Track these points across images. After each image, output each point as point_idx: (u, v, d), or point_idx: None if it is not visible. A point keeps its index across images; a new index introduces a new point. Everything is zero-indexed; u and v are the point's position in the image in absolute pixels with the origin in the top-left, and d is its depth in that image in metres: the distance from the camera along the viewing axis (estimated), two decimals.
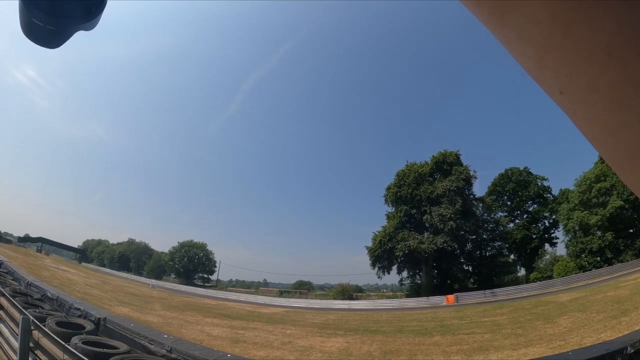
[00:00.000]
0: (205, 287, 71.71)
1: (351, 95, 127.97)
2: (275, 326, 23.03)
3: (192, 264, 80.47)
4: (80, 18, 0.46)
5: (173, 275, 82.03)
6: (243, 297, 54.30)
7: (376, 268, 58.21)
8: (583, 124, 0.32)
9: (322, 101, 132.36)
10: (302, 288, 68.55)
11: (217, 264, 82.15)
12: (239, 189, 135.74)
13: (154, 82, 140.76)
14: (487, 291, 46.34)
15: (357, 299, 56.15)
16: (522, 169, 65.11)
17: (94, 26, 0.49)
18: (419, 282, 58.43)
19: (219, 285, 77.80)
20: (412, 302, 46.25)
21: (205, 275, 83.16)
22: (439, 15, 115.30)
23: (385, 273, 58.70)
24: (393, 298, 55.21)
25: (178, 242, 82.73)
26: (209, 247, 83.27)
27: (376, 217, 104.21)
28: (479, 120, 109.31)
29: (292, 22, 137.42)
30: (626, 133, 0.29)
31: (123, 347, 7.12)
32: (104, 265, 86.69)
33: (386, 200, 61.20)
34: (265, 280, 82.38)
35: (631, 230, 53.41)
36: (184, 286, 64.69)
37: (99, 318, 9.53)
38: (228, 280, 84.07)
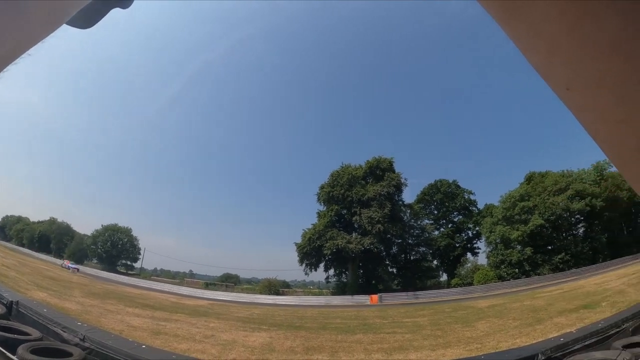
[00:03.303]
0: (128, 274, 68.05)
1: (294, 90, 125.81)
2: (198, 319, 22.64)
3: (116, 250, 76.39)
4: None
5: (95, 260, 77.18)
6: (167, 287, 52.58)
7: (304, 265, 58.61)
8: (588, 120, 0.32)
9: (262, 94, 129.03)
10: (229, 281, 67.45)
11: (141, 251, 78.43)
12: (169, 176, 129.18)
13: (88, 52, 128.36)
14: (410, 293, 47.56)
15: (283, 294, 55.65)
16: (451, 181, 68.30)
17: (130, 4, 0.47)
18: (345, 280, 59.20)
19: (142, 273, 74.24)
20: (337, 300, 46.67)
21: (129, 263, 79.19)
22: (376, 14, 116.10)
23: (313, 270, 59.15)
24: (319, 295, 55.54)
25: (102, 225, 78.38)
26: (134, 233, 79.27)
27: (307, 215, 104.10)
28: (417, 130, 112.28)
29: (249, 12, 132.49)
30: (631, 129, 0.29)
31: (35, 333, 6.56)
32: (22, 245, 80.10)
33: (319, 199, 61.77)
34: (191, 271, 79.71)
35: (549, 247, 56.71)
36: (107, 272, 60.99)
37: (12, 301, 7.99)
38: (152, 269, 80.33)
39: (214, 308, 31.43)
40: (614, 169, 63.79)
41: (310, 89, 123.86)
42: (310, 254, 56.95)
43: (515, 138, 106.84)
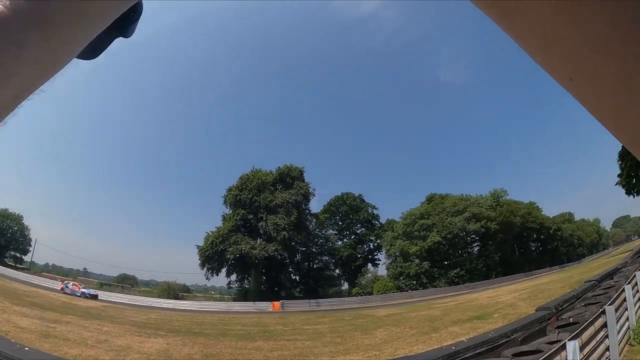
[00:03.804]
0: (17, 268, 61.82)
1: (209, 86, 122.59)
2: (91, 322, 21.57)
3: (4, 239, 69.04)
4: (120, 25, 0.43)
5: None
6: (58, 285, 47.88)
7: (205, 269, 57.04)
8: (593, 107, 0.32)
9: (171, 87, 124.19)
10: (125, 282, 63.69)
11: (32, 243, 71.76)
12: (69, 164, 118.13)
13: None
14: (312, 301, 48.03)
15: (183, 299, 53.51)
16: (356, 195, 70.44)
17: (133, 32, 0.47)
18: (247, 286, 58.58)
19: (33, 268, 67.80)
20: (238, 306, 45.92)
21: (18, 255, 71.98)
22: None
23: (215, 275, 57.80)
24: (220, 301, 54.35)
25: None
26: (26, 222, 72.02)
27: (211, 216, 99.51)
28: (330, 144, 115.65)
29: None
30: (634, 112, 0.29)
31: None
32: None
33: (225, 201, 60.67)
34: (85, 269, 74.11)
35: (446, 262, 60.00)
36: None
37: None
38: (44, 264, 73.67)
39: (108, 311, 29.83)
40: (509, 197, 69.68)
41: (226, 85, 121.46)
42: (212, 257, 55.63)
43: (419, 162, 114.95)
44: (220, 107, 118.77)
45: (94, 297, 41.22)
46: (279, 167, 61.45)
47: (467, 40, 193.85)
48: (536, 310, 10.59)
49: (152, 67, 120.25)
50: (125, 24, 0.44)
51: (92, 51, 0.46)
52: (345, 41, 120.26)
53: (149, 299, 48.63)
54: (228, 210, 60.11)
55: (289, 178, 59.99)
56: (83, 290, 42.39)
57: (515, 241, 68.01)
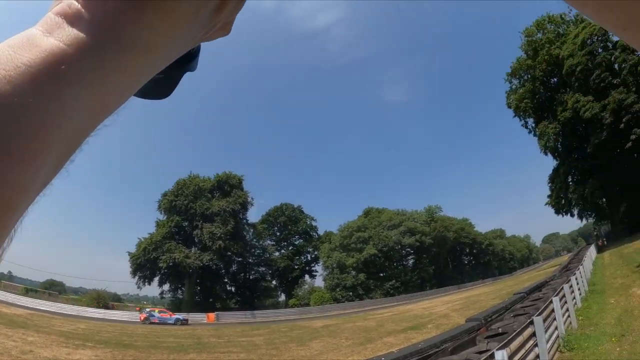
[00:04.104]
0: None
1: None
2: (15, 330, 20.40)
3: None
4: (188, 60, 0.43)
5: None
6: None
7: (137, 277, 55.07)
8: None
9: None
10: (53, 289, 60.36)
11: None
12: None
13: None
14: (248, 312, 47.55)
15: (113, 308, 51.23)
16: (295, 206, 70.73)
17: (197, 64, 0.46)
18: (180, 297, 57.01)
19: None
20: None
21: None
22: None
23: (147, 284, 55.94)
24: None
25: None
26: None
27: (144, 222, 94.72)
28: (273, 155, 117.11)
29: None
30: None
31: None
32: None
33: (160, 207, 58.96)
34: (10, 272, 69.79)
35: (382, 274, 61.73)
36: None
37: None
38: None
39: (34, 319, 28.29)
40: (443, 213, 73.03)
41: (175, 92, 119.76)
42: (144, 265, 53.82)
43: (359, 176, 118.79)
44: (157, 110, 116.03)
45: (185, 322, 37.31)
46: (217, 174, 60.43)
47: (409, 62, 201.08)
48: (466, 321, 10.80)
49: None
50: (191, 57, 0.43)
51: (163, 89, 0.46)
52: (290, 53, 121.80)
53: (77, 307, 46.65)
54: (162, 216, 58.53)
55: (228, 186, 59.06)
56: (177, 316, 37.96)
57: (449, 255, 71.11)
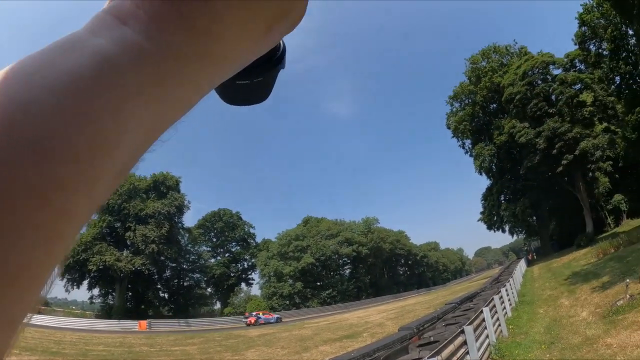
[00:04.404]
0: None
1: None
2: None
3: None
4: (279, 59, 0.42)
5: None
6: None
7: (65, 279, 52.38)
8: None
9: None
10: None
11: None
12: None
13: None
14: (182, 320, 46.50)
15: (40, 312, 47.66)
16: (234, 212, 69.94)
17: (285, 60, 0.44)
18: (111, 302, 54.65)
19: None
20: (102, 324, 42.47)
21: None
22: None
23: (75, 287, 53.37)
24: (82, 317, 49.90)
25: None
26: None
27: None
28: (213, 157, 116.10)
29: None
30: None
31: None
32: None
33: None
34: None
35: (319, 283, 62.59)
36: None
37: None
38: None
39: None
40: (380, 225, 75.56)
41: None
42: (73, 267, 51.16)
43: (298, 186, 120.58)
44: None
45: (280, 320, 42.69)
46: (154, 174, 58.19)
47: (354, 75, 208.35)
48: (399, 330, 10.73)
49: None
50: (278, 54, 0.42)
51: (261, 92, 0.46)
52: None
53: None
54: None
55: (164, 187, 57.44)
56: (277, 316, 44.00)
57: (385, 265, 73.42)
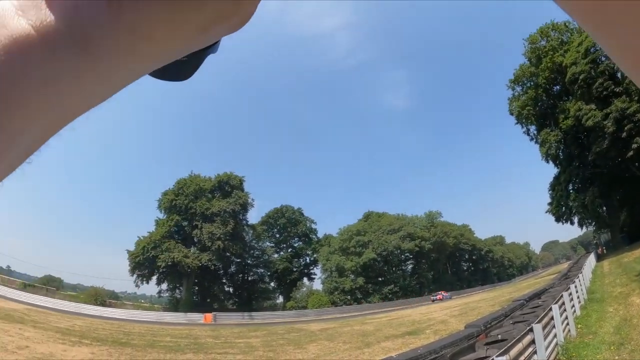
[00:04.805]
0: None
1: (140, 91, 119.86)
2: (12, 325, 20.43)
3: None
4: (214, 43, 0.41)
5: None
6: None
7: (135, 275, 54.87)
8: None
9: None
10: (51, 284, 59.98)
11: None
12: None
13: None
14: (245, 314, 47.54)
15: (111, 306, 51.21)
16: (296, 208, 70.40)
17: (218, 48, 0.45)
18: (178, 296, 56.67)
19: None
20: (169, 316, 44.38)
21: None
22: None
23: (145, 282, 55.70)
24: (150, 310, 52.43)
25: None
26: None
27: (144, 221, 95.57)
28: (274, 156, 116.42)
29: None
30: None
31: None
32: None
33: (160, 206, 58.87)
34: (8, 267, 69.58)
35: (380, 279, 61.51)
36: None
37: None
38: None
39: (31, 314, 28.11)
40: (443, 218, 72.91)
41: (177, 90, 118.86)
42: (143, 264, 53.62)
43: (360, 181, 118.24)
44: (157, 108, 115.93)
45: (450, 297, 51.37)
46: (218, 175, 60.24)
47: (412, 67, 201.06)
48: (465, 327, 10.48)
49: None
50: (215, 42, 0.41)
51: (184, 71, 0.44)
52: (294, 55, 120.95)
53: (74, 304, 46.65)
54: (162, 215, 58.36)
55: (228, 186, 58.95)
56: (448, 295, 53.06)
57: (448, 260, 71.08)
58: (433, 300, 49.70)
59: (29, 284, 58.26)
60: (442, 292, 54.06)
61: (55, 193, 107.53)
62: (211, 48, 0.42)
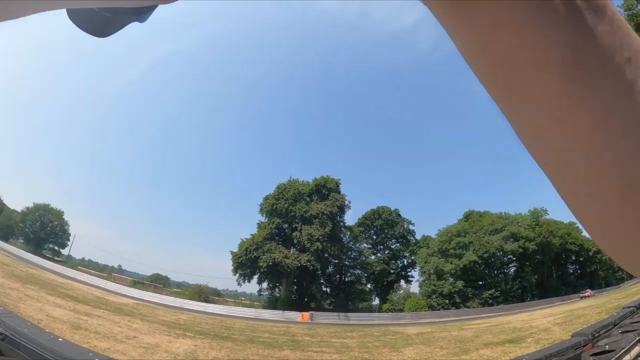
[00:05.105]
0: (54, 260, 63.90)
1: (242, 99, 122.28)
2: (122, 317, 21.76)
3: (44, 232, 71.57)
4: (138, 9, 0.42)
5: (21, 240, 72.06)
6: (94, 280, 49.47)
7: (237, 274, 57.17)
8: (564, 193, 0.36)
9: (217, 94, 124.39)
10: (158, 282, 64.42)
11: (71, 238, 74.05)
12: (110, 164, 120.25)
13: None
14: (341, 314, 47.71)
15: (213, 302, 53.85)
16: (392, 209, 69.49)
17: (147, 19, 0.45)
18: (277, 295, 58.30)
19: (69, 262, 69.82)
20: (267, 313, 45.84)
21: (57, 248, 74.52)
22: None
23: (246, 281, 57.81)
24: (250, 307, 54.58)
25: (34, 203, 73.20)
26: (66, 217, 74.68)
27: (245, 224, 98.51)
28: (369, 157, 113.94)
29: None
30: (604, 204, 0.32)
31: None
32: None
33: (261, 210, 60.97)
34: (120, 266, 75.48)
35: (480, 283, 58.47)
36: (32, 255, 56.79)
37: None
38: (80, 259, 75.65)
39: (140, 308, 30.19)
40: (549, 216, 67.26)
41: (272, 97, 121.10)
42: (245, 264, 55.72)
43: (459, 178, 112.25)
44: (258, 118, 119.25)
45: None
46: (315, 178, 61.50)
47: None
48: (571, 336, 9.51)
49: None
50: (143, 9, 0.42)
51: (104, 28, 0.44)
52: (383, 53, 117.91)
53: (180, 300, 49.23)
54: (263, 218, 60.51)
55: (325, 189, 59.90)
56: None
57: (553, 263, 65.78)
58: (582, 298, 48.79)
59: (138, 282, 62.74)
60: (589, 290, 53.22)
61: (166, 200, 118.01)
62: (139, 16, 0.42)
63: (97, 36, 0.46)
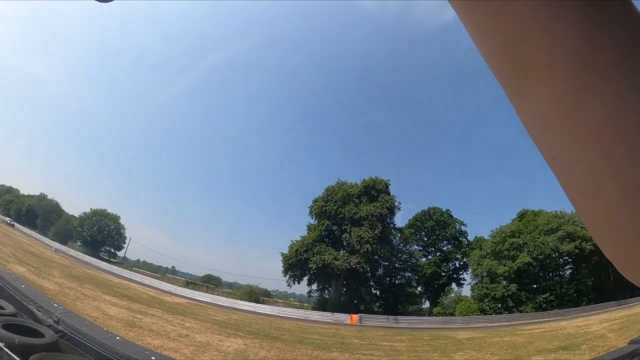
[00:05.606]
0: (110, 262, 67.11)
1: (292, 103, 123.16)
2: (175, 316, 22.36)
3: (101, 235, 75.37)
4: None
5: (79, 243, 76.18)
6: (148, 280, 51.61)
7: (288, 276, 57.74)
8: (570, 192, 0.35)
9: (266, 98, 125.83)
10: (210, 282, 66.11)
11: (126, 241, 77.56)
12: (163, 169, 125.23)
13: None
14: (391, 317, 47.06)
15: (263, 303, 54.87)
16: (444, 210, 68.25)
17: None
18: (327, 297, 58.54)
19: (125, 263, 73.08)
20: (317, 315, 46.00)
21: (113, 250, 78.32)
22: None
23: (296, 282, 58.31)
24: (299, 308, 54.93)
25: (91, 209, 77.26)
26: (122, 222, 78.60)
27: (295, 227, 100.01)
28: (418, 157, 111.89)
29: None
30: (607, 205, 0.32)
31: (9, 308, 5.98)
32: (9, 216, 78.86)
33: (311, 212, 61.24)
34: (173, 267, 78.13)
35: (535, 286, 56.61)
36: (89, 257, 60.05)
37: None
38: (135, 260, 79.01)
39: (192, 308, 31.02)
40: None
41: (322, 100, 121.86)
42: (295, 266, 56.27)
43: (512, 175, 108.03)
44: (307, 119, 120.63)
45: None
46: (364, 180, 61.09)
47: None
48: (629, 343, 9.26)
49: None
50: None
51: None
52: (423, 53, 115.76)
53: (231, 300, 50.39)
54: (313, 221, 60.78)
55: (374, 191, 59.44)
56: None
57: (611, 265, 62.07)
58: None
59: (191, 282, 64.71)
60: None
61: (214, 199, 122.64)
62: None
63: (101, 1, 0.44)
